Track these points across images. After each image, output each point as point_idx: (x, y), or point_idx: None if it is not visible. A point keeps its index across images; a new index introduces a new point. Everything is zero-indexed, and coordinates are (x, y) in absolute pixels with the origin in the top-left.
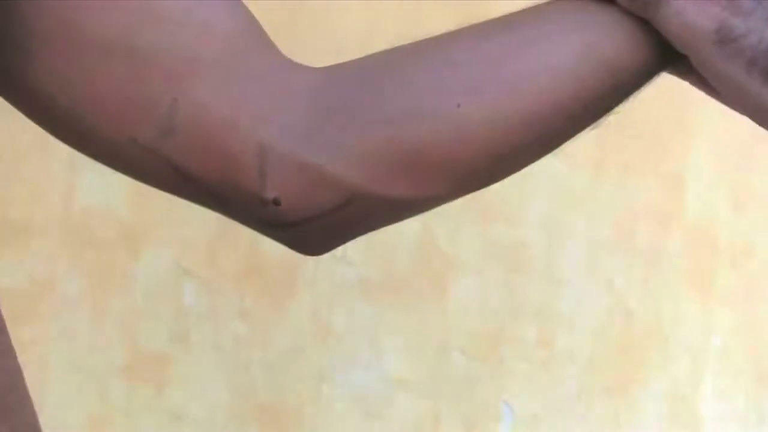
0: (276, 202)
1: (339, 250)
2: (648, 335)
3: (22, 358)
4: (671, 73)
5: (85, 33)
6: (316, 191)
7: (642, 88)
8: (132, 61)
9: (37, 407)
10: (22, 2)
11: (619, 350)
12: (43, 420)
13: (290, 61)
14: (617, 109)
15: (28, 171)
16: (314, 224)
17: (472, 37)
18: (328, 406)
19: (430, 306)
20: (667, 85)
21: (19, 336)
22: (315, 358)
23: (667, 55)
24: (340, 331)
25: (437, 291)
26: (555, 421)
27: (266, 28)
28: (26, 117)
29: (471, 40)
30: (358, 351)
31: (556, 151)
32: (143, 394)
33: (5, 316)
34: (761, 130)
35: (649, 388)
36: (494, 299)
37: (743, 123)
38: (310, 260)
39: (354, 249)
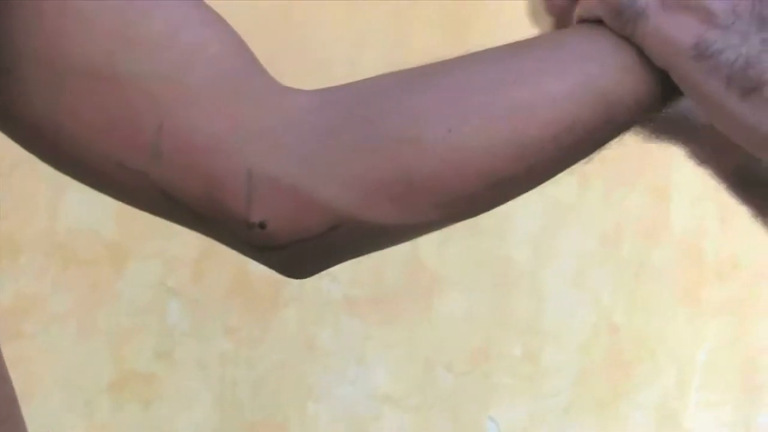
0: (262, 225)
1: None
2: (635, 349)
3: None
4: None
5: (69, 58)
6: (303, 215)
7: (638, 122)
8: (117, 85)
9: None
10: (7, 25)
11: (606, 364)
12: None
13: (279, 84)
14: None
15: (14, 189)
16: (301, 248)
17: (470, 63)
18: (315, 422)
19: (416, 322)
20: None
21: (5, 353)
22: (301, 375)
23: (663, 93)
24: (327, 347)
25: (423, 306)
26: None
27: (252, 43)
28: (12, 140)
29: (468, 67)
30: (345, 367)
31: None
32: (129, 411)
33: None
34: None
35: (636, 402)
36: (480, 314)
37: None
38: None
39: (340, 265)
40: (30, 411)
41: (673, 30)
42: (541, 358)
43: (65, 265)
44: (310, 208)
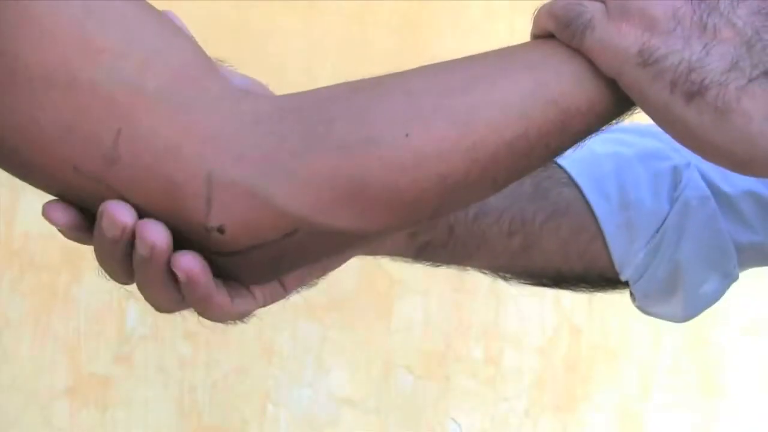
0: (220, 230)
1: None
2: (596, 352)
3: None
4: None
5: (25, 64)
6: (261, 219)
7: (594, 132)
8: (74, 92)
9: None
10: None
11: (567, 367)
12: None
13: (236, 89)
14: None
15: None
16: (259, 253)
17: (425, 72)
18: (274, 425)
19: (375, 325)
20: None
21: None
22: (260, 378)
23: (617, 101)
24: (285, 350)
25: (382, 310)
26: None
27: (208, 49)
28: None
29: (423, 75)
30: (303, 370)
31: None
32: (87, 416)
33: None
34: None
35: (596, 404)
36: (440, 317)
37: None
38: None
39: None
40: None
41: (618, 39)
42: (502, 360)
43: (22, 271)
44: (266, 212)
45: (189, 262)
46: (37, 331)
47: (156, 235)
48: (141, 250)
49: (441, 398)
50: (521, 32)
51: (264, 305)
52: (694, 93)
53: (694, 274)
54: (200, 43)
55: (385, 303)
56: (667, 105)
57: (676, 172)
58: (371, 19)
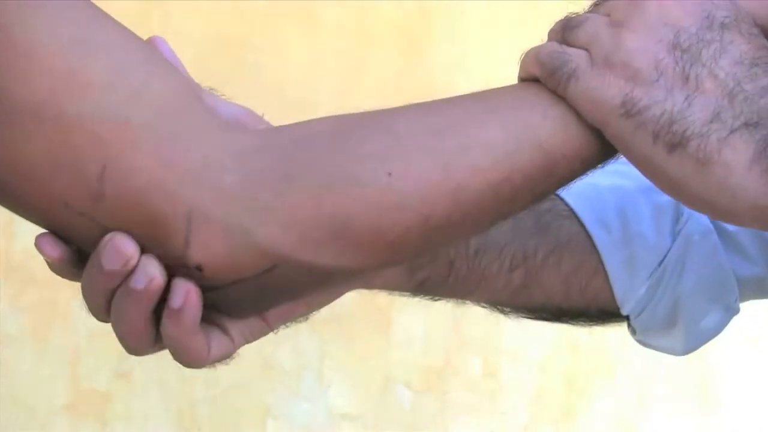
0: (198, 268)
1: None
2: (594, 366)
3: None
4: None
5: (12, 97)
6: (239, 255)
7: (579, 177)
8: (61, 126)
9: None
10: None
11: (566, 381)
12: None
13: (224, 122)
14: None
15: None
16: (238, 288)
17: (411, 111)
18: None
19: (374, 340)
20: None
21: None
22: (260, 393)
23: (602, 147)
24: (285, 365)
25: (381, 324)
26: None
27: (210, 65)
28: None
29: (409, 114)
30: (303, 385)
31: None
32: (87, 431)
33: None
34: None
35: (595, 418)
36: (439, 332)
37: None
38: None
39: None
40: None
41: (602, 89)
42: (501, 375)
43: (22, 286)
44: (245, 248)
45: (186, 284)
46: (37, 347)
47: (155, 269)
48: (137, 283)
49: (440, 413)
50: (518, 49)
51: (247, 343)
52: (676, 144)
53: (696, 308)
54: (199, 59)
55: (385, 317)
56: (649, 156)
57: (678, 206)
58: (370, 34)
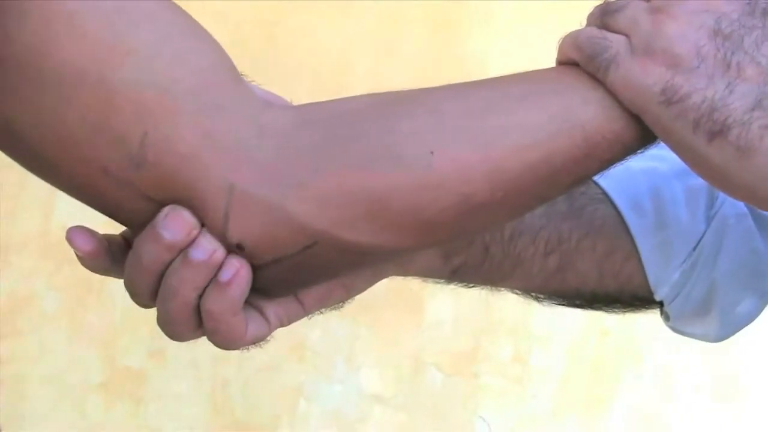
0: (240, 246)
1: None
2: (623, 353)
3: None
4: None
5: (54, 63)
6: (279, 233)
7: (618, 162)
8: (103, 92)
9: (14, 423)
10: None
11: (594, 368)
12: None
13: (260, 99)
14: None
15: (6, 189)
16: (277, 267)
17: (459, 89)
18: (304, 421)
19: (405, 323)
20: None
21: None
22: (291, 375)
23: (642, 132)
24: (317, 347)
25: (412, 308)
26: None
27: (245, 47)
28: None
29: (456, 93)
30: (334, 367)
31: None
32: (121, 409)
33: None
34: None
35: (622, 405)
36: (469, 316)
37: None
38: None
39: None
40: (21, 410)
41: (642, 77)
42: (530, 360)
43: (57, 265)
44: (284, 225)
45: (238, 260)
46: (72, 325)
47: (215, 243)
48: (201, 254)
49: (470, 396)
50: (552, 33)
51: (282, 326)
52: (717, 132)
53: (730, 293)
54: (235, 41)
55: (416, 301)
56: (689, 144)
57: (712, 189)
58: (404, 18)
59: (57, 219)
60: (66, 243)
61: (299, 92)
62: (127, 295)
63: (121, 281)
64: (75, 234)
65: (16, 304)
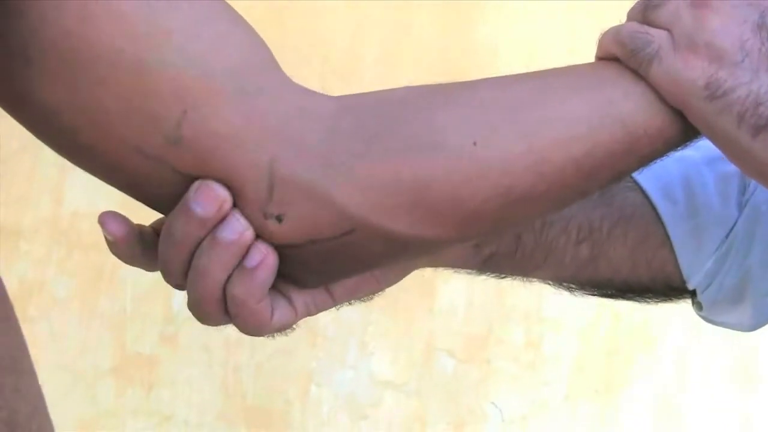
0: (279, 218)
1: None
2: (636, 338)
3: None
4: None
5: (91, 44)
6: (320, 215)
7: (660, 157)
8: (140, 72)
9: None
10: (27, 12)
11: (606, 353)
12: None
13: (298, 84)
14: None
15: (17, 174)
16: (315, 248)
17: (500, 81)
18: (316, 407)
19: (417, 308)
20: None
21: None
22: (303, 360)
23: (685, 128)
24: (328, 333)
25: (425, 293)
26: (542, 422)
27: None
28: (24, 126)
29: (498, 84)
30: (346, 353)
31: None
32: (132, 395)
33: None
34: None
35: (635, 390)
36: (482, 302)
37: None
38: None
39: None
40: None
41: (685, 71)
42: (542, 345)
43: (69, 250)
44: (327, 208)
45: (266, 246)
46: (84, 311)
47: (245, 224)
48: (230, 233)
49: (482, 382)
50: (563, 19)
51: (309, 315)
52: (762, 126)
53: (764, 281)
54: None
55: (428, 287)
56: (734, 139)
57: (744, 176)
58: (414, 3)
59: (68, 205)
60: (77, 228)
61: (309, 77)
62: (138, 281)
63: (133, 268)
64: (108, 218)
65: (27, 290)
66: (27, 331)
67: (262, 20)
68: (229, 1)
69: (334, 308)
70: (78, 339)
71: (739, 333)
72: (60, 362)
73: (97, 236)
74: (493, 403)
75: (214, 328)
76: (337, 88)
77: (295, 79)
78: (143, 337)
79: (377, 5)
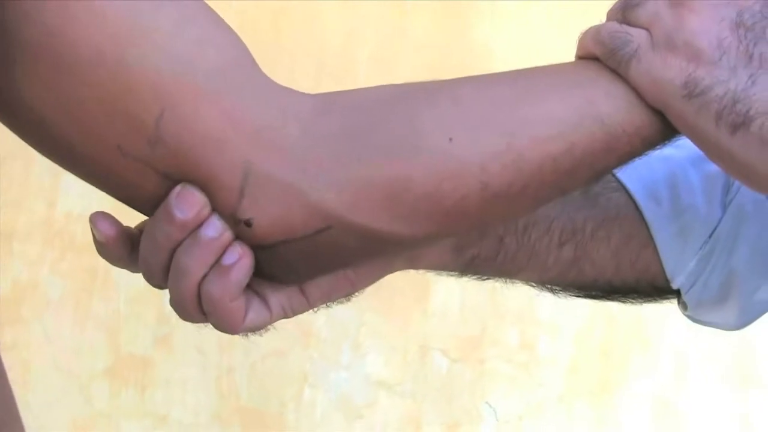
0: (248, 223)
1: None
2: (630, 338)
3: (5, 361)
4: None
5: (73, 44)
6: (292, 213)
7: (639, 156)
8: (122, 73)
9: (20, 410)
10: (8, 11)
11: (601, 353)
12: (26, 422)
13: (279, 85)
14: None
15: (10, 177)
16: (287, 248)
17: (481, 80)
18: (311, 407)
19: (411, 309)
20: None
21: (1, 339)
22: (297, 361)
23: (663, 127)
24: (322, 334)
25: (419, 294)
26: (537, 423)
27: (249, 33)
28: (10, 129)
29: (479, 83)
30: (340, 354)
31: None
32: (126, 396)
33: None
34: None
35: (631, 391)
36: (476, 302)
37: None
38: None
39: None
40: (27, 397)
41: (663, 71)
42: (537, 346)
43: (63, 252)
44: (299, 207)
45: (243, 247)
46: (77, 312)
47: (224, 225)
48: (211, 231)
49: (476, 382)
50: (558, 19)
51: (285, 317)
52: (739, 124)
53: (749, 280)
54: (239, 28)
55: (422, 287)
56: (712, 137)
57: (728, 175)
58: (409, 5)
59: (61, 207)
60: (70, 230)
61: (303, 79)
62: (131, 282)
63: (125, 270)
64: (99, 219)
65: (20, 292)
66: (20, 332)
67: (257, 22)
68: (226, 3)
69: (327, 309)
70: (72, 340)
71: (736, 332)
72: (54, 364)
73: (90, 238)
74: (487, 403)
75: (209, 329)
76: (331, 89)
77: (289, 81)
78: (137, 338)
79: (372, 6)
